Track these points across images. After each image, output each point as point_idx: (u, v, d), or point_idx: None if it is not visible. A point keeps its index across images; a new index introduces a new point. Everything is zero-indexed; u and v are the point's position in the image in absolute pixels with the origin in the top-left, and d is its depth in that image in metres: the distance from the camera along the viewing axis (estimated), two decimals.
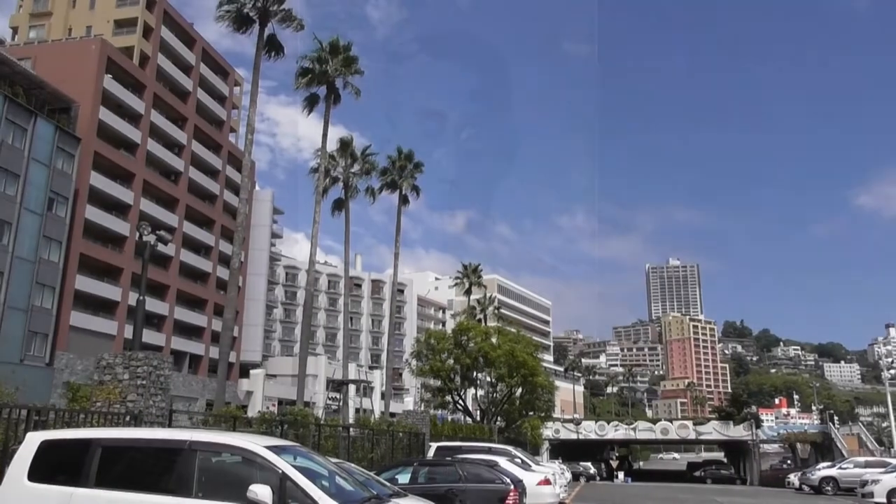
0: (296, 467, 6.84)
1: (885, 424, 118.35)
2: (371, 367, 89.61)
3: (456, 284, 68.56)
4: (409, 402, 76.65)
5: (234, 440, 7.20)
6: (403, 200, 41.12)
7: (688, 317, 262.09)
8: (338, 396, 46.76)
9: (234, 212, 59.88)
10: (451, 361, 44.29)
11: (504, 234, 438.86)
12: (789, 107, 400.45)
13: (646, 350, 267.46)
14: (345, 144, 37.89)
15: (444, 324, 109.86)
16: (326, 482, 7.30)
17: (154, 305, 55.76)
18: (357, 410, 49.57)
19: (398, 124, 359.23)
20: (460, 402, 46.41)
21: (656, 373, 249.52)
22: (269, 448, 6.92)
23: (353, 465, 12.38)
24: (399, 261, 42.85)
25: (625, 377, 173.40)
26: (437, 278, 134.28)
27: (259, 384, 62.23)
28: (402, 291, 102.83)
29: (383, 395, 49.23)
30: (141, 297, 19.41)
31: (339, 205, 37.87)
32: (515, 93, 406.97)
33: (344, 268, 41.74)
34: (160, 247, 23.44)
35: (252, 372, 64.86)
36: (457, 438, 31.39)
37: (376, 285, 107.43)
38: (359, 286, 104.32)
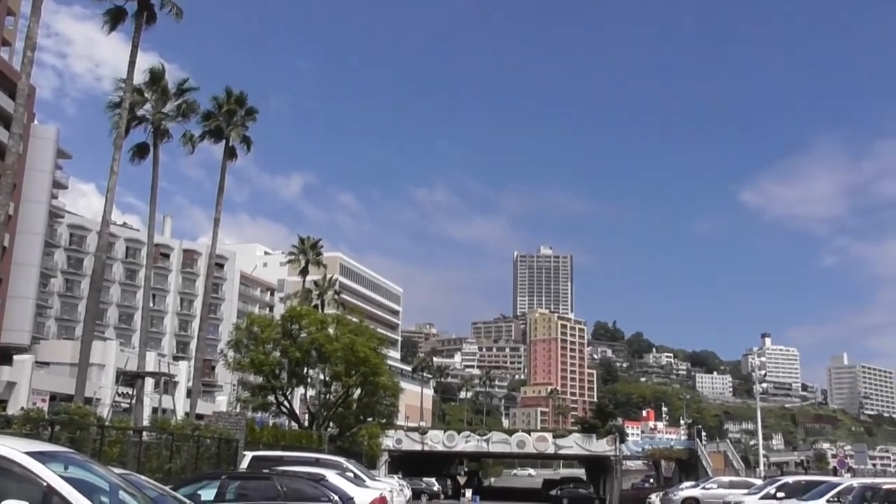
0: (66, 479, 6.52)
1: (752, 442, 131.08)
2: (176, 358, 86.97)
3: (290, 262, 67.67)
4: (221, 402, 75.08)
5: None
6: (230, 154, 39.73)
7: (556, 314, 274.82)
8: (130, 392, 44.73)
9: (2, 150, 55.23)
10: (277, 354, 43.83)
11: (349, 204, 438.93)
12: (679, 90, 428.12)
13: (507, 350, 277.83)
14: (156, 76, 35.93)
15: (271, 308, 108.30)
16: (106, 498, 7.06)
17: None
18: (155, 410, 47.68)
19: (229, 62, 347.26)
20: (286, 403, 46.06)
21: (517, 377, 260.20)
22: (31, 454, 6.55)
23: (144, 477, 11.99)
24: (220, 228, 41.57)
25: (481, 381, 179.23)
26: (266, 253, 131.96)
27: (25, 373, 58.98)
28: (221, 266, 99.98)
29: (189, 393, 47.79)
30: None
31: (144, 151, 35.85)
32: (372, 46, 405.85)
33: (148, 232, 39.79)
34: None
35: (16, 358, 61.05)
36: (278, 447, 31.15)
37: (189, 257, 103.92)
38: (166, 256, 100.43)
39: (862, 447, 70.33)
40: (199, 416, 38.87)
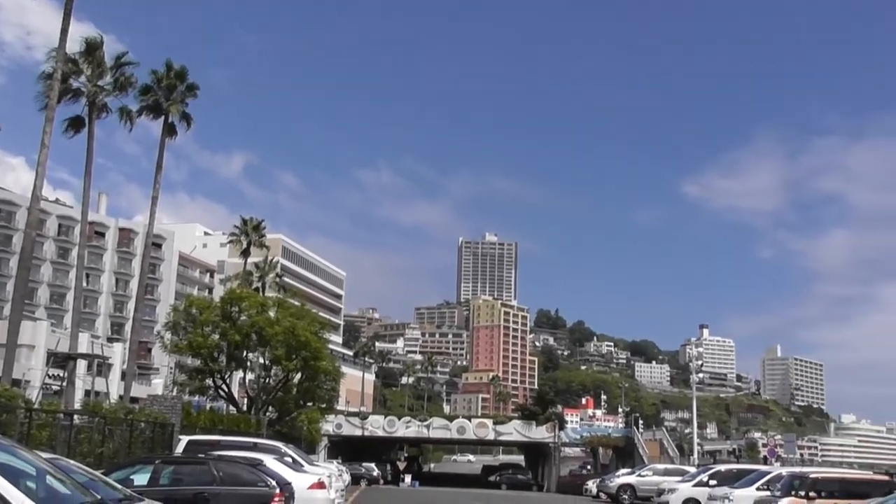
0: None
1: (687, 431, 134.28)
2: (111, 340, 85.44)
3: (231, 242, 66.84)
4: (158, 386, 73.86)
5: None
6: (169, 130, 38.96)
7: (500, 301, 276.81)
8: (62, 375, 43.64)
9: None
10: (216, 337, 43.28)
11: (291, 185, 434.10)
12: (623, 82, 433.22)
13: (450, 336, 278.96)
14: (92, 47, 34.87)
15: (211, 290, 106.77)
16: (33, 483, 6.96)
17: None
18: (87, 393, 46.70)
19: (169, 35, 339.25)
20: (224, 387, 45.56)
21: (459, 363, 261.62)
22: None
23: (74, 462, 11.74)
24: (157, 207, 40.75)
25: (423, 367, 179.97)
26: (206, 233, 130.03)
27: None
28: (159, 246, 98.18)
29: (124, 376, 46.85)
30: None
31: (79, 124, 34.82)
32: (319, 22, 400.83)
33: (82, 209, 38.76)
34: None
35: None
36: (215, 431, 30.85)
37: (125, 236, 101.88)
38: (101, 235, 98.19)
39: (791, 437, 72.88)
40: (134, 400, 38.19)
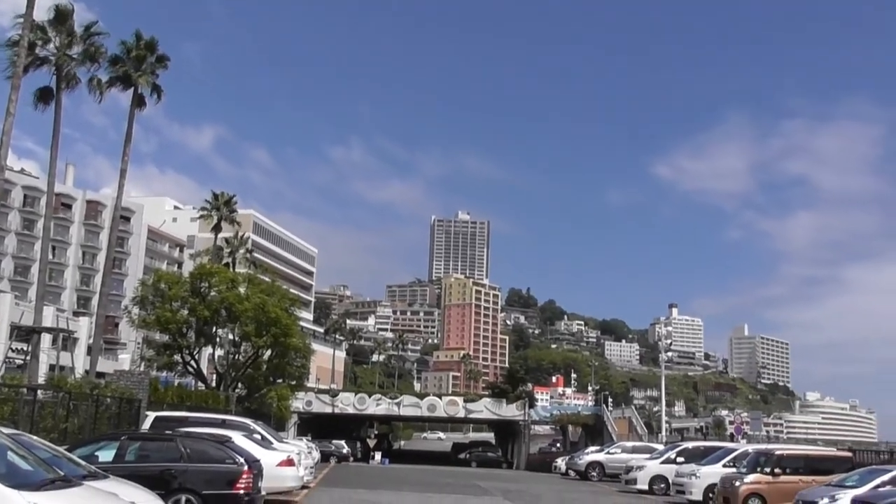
0: None
1: (656, 409, 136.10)
2: (77, 314, 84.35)
3: (202, 217, 66.09)
4: (125, 361, 73.31)
5: None
6: (139, 102, 38.39)
7: (471, 280, 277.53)
8: (25, 348, 43.02)
9: None
10: (185, 312, 42.84)
11: (262, 160, 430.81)
12: (595, 63, 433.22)
13: (421, 314, 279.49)
14: (62, 15, 34.18)
15: (180, 265, 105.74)
16: None
17: None
18: (52, 368, 46.23)
19: (140, 4, 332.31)
20: (193, 363, 45.21)
21: (430, 341, 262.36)
22: None
23: (36, 438, 11.57)
24: (126, 180, 40.15)
25: (395, 344, 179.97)
26: (176, 207, 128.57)
27: None
28: (128, 219, 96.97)
29: (90, 350, 46.32)
30: None
31: (47, 95, 34.30)
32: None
33: (48, 180, 38.13)
34: None
35: None
36: (183, 408, 30.59)
37: (93, 208, 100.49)
38: (68, 207, 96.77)
39: (757, 415, 74.00)
40: (100, 375, 37.84)
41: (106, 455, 14.27)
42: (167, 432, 17.22)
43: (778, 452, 25.31)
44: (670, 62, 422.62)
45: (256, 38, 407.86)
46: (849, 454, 27.57)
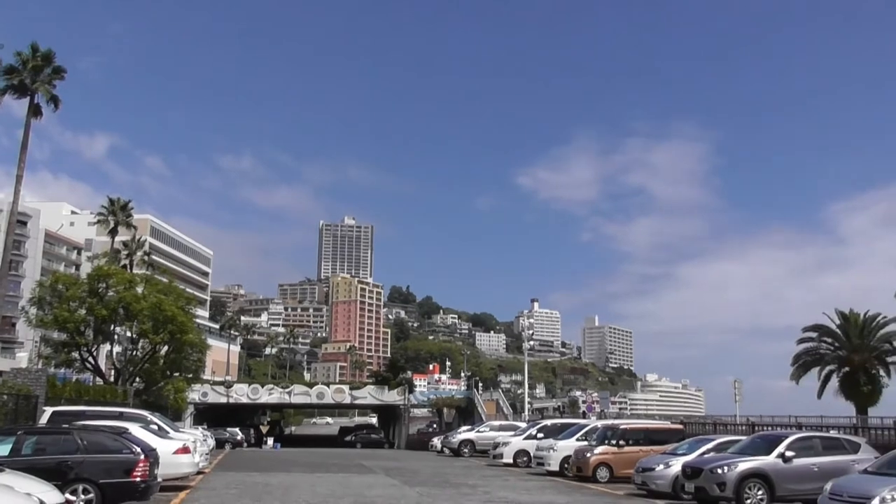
0: None
1: (520, 391, 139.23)
2: None
3: (99, 222, 62.66)
4: (22, 359, 68.47)
5: None
6: (35, 111, 36.12)
7: (357, 279, 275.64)
8: None
9: None
10: (83, 312, 40.55)
11: (155, 167, 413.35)
12: (465, 81, 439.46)
13: (311, 311, 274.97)
14: None
15: (78, 267, 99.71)
16: None
17: None
18: None
19: (38, 23, 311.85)
20: (91, 359, 42.81)
21: (319, 335, 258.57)
22: None
23: None
24: (22, 185, 37.62)
25: (286, 338, 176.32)
26: (73, 212, 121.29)
27: None
28: (24, 224, 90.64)
29: None
30: None
31: None
32: (186, 11, 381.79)
33: None
34: None
35: None
36: (81, 402, 28.92)
37: None
38: None
39: (605, 394, 76.70)
40: None
41: (2, 450, 13.44)
42: (65, 426, 16.28)
43: (622, 427, 26.45)
44: (530, 84, 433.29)
45: (150, 54, 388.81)
46: (681, 427, 29.12)
